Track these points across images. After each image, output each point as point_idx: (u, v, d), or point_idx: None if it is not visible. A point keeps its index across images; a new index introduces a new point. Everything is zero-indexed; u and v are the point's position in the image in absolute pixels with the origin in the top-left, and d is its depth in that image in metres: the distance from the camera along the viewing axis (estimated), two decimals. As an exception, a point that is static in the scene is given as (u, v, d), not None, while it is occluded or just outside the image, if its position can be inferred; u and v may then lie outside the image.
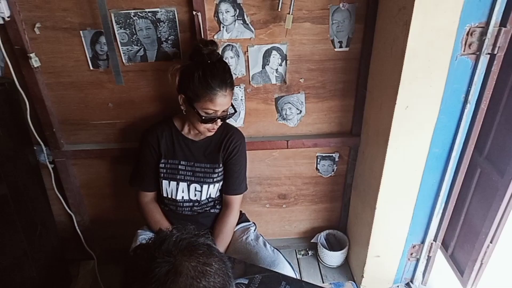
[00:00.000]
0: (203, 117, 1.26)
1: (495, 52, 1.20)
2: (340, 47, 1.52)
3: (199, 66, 1.24)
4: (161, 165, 1.42)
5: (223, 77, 1.23)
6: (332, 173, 1.84)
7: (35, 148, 1.61)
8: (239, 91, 1.59)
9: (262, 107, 1.64)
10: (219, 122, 1.31)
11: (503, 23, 1.17)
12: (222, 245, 1.42)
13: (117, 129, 1.66)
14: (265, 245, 1.40)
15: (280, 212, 1.96)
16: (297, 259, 1.99)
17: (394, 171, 1.44)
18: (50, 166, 1.65)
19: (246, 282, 1.10)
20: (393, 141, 1.36)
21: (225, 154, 1.41)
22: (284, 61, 1.53)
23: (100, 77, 1.52)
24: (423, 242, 1.66)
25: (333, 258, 1.89)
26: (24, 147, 1.56)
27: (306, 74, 1.57)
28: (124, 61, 1.49)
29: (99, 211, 1.88)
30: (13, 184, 1.50)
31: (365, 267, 1.71)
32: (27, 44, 1.39)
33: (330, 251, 1.88)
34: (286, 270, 1.28)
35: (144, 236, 1.46)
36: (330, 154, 1.78)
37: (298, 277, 1.42)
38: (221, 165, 1.42)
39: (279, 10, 1.37)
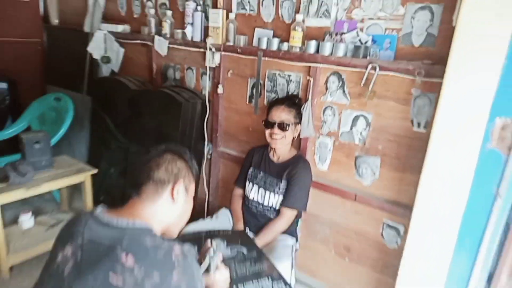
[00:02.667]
0: (265, 123, 1.87)
1: (533, 152, 1.20)
2: (418, 127, 1.73)
3: None
4: (249, 171, 2.04)
5: (281, 99, 1.94)
6: (396, 245, 1.89)
7: (204, 143, 2.58)
8: (329, 142, 2.03)
9: (344, 160, 2.00)
10: (276, 129, 1.84)
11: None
12: (261, 240, 1.85)
13: (250, 145, 2.41)
14: (288, 256, 1.74)
15: (342, 264, 2.12)
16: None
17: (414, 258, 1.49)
18: (207, 157, 2.58)
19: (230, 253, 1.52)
20: (414, 222, 1.46)
21: (288, 174, 1.89)
22: (368, 127, 1.88)
23: (250, 110, 2.35)
24: None
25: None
26: (198, 141, 2.55)
27: (384, 143, 1.85)
28: (265, 102, 2.26)
29: (225, 200, 2.64)
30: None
31: None
32: (221, 80, 2.40)
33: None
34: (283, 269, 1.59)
35: (224, 211, 2.08)
36: (396, 225, 1.87)
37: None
38: (282, 181, 1.89)
39: (362, 86, 1.79)
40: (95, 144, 3.12)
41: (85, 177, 2.41)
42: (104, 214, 1.00)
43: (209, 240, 1.24)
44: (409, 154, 1.78)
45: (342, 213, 2.06)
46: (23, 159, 2.28)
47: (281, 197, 1.91)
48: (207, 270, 1.18)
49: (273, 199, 1.93)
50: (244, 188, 2.08)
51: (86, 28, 3.06)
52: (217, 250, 1.22)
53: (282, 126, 1.87)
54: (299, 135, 2.00)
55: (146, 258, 0.89)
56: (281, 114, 1.88)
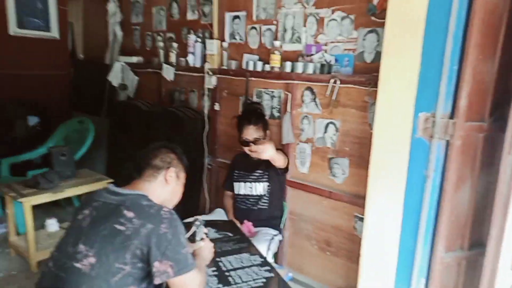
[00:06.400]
0: (242, 142, 2.15)
1: (448, 139, 1.49)
2: (376, 129, 2.04)
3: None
4: (235, 174, 2.34)
5: (247, 118, 2.13)
6: (366, 235, 2.14)
7: (205, 154, 2.94)
8: (307, 147, 2.35)
9: (320, 162, 2.31)
10: (253, 146, 2.04)
11: (452, 115, 1.48)
12: None
13: (244, 156, 2.76)
14: (266, 241, 2.03)
15: (323, 258, 2.37)
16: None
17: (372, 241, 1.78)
18: (208, 167, 2.93)
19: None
20: (368, 209, 1.76)
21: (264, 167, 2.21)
22: (337, 132, 2.20)
23: (243, 123, 2.71)
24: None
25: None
26: (199, 153, 2.92)
27: (350, 145, 2.16)
28: (254, 116, 2.62)
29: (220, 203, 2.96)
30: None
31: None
32: (217, 98, 2.79)
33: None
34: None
35: (218, 210, 2.40)
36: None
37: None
38: (261, 169, 2.21)
39: (327, 96, 2.13)
40: (112, 161, 3.53)
41: (103, 185, 2.79)
42: (114, 187, 1.36)
43: (196, 217, 1.57)
44: (369, 153, 2.07)
45: (320, 210, 2.34)
46: (51, 169, 2.70)
47: (265, 184, 2.21)
48: (193, 238, 1.48)
49: (260, 188, 2.23)
50: (232, 189, 2.38)
51: (107, 60, 3.57)
52: (201, 224, 1.53)
53: (257, 142, 2.13)
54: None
55: (142, 212, 1.23)
56: (253, 133, 2.14)
